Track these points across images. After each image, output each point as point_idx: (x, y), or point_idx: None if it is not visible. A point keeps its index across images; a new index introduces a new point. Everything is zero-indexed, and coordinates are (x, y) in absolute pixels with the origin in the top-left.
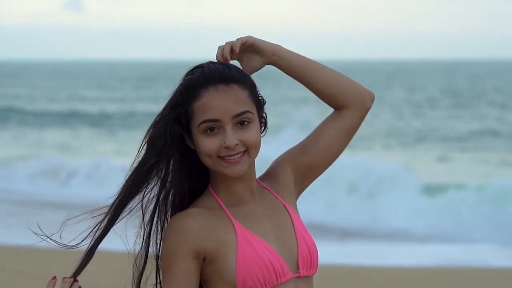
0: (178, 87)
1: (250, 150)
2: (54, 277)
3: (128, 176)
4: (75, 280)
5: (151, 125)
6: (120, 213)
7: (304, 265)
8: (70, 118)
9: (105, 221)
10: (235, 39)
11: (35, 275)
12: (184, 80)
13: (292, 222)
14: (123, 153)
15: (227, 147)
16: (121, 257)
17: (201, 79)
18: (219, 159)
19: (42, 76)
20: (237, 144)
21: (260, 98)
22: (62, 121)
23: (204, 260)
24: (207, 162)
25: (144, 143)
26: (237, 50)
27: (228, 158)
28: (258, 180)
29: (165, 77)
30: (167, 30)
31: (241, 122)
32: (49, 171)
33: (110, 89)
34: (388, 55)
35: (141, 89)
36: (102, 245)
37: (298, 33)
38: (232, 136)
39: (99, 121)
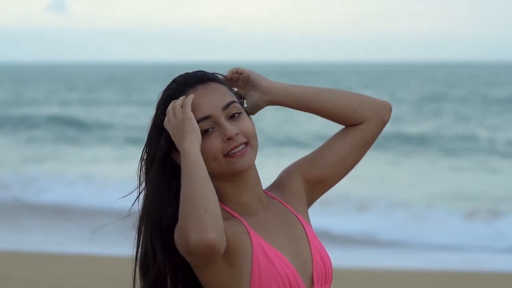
0: (158, 107)
1: (250, 140)
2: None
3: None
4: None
5: (141, 159)
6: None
7: (319, 279)
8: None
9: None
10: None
11: (22, 279)
12: (162, 98)
13: (306, 233)
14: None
15: (229, 138)
16: (108, 261)
17: (178, 88)
18: (225, 158)
19: (21, 79)
20: (237, 134)
21: (238, 93)
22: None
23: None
24: (214, 166)
25: (140, 179)
26: (228, 76)
27: (233, 152)
28: (265, 191)
29: (151, 79)
30: (154, 32)
31: (231, 115)
32: None
33: (80, 91)
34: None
35: (123, 92)
36: (90, 249)
37: (285, 34)
38: (230, 126)
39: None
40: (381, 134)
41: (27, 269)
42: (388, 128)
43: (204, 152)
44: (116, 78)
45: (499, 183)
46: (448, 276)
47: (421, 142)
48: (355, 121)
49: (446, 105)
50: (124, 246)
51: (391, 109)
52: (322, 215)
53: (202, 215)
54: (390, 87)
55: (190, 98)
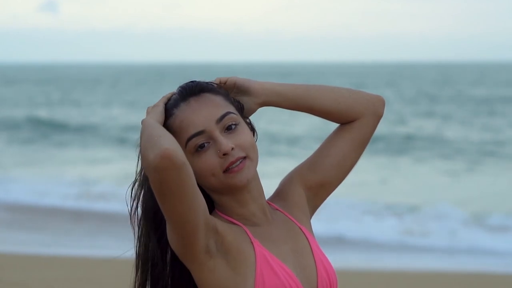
0: None
1: (249, 153)
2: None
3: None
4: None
5: (138, 161)
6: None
7: None
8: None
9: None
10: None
11: (14, 283)
12: None
13: (310, 245)
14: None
15: (225, 154)
16: (100, 264)
17: (171, 103)
18: (224, 174)
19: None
20: (233, 148)
21: (237, 102)
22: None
23: (216, 245)
24: (213, 182)
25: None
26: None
27: (231, 167)
28: (268, 201)
29: (143, 80)
30: (147, 32)
31: (228, 127)
32: None
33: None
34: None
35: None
36: (80, 252)
37: (276, 35)
38: (225, 141)
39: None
40: (373, 136)
41: (19, 272)
42: (381, 129)
43: (202, 169)
44: (106, 79)
45: (494, 183)
46: (448, 277)
47: (414, 142)
48: (350, 118)
49: (435, 106)
50: (117, 248)
51: (384, 103)
52: (321, 218)
53: (157, 139)
54: (382, 87)
55: (170, 94)
